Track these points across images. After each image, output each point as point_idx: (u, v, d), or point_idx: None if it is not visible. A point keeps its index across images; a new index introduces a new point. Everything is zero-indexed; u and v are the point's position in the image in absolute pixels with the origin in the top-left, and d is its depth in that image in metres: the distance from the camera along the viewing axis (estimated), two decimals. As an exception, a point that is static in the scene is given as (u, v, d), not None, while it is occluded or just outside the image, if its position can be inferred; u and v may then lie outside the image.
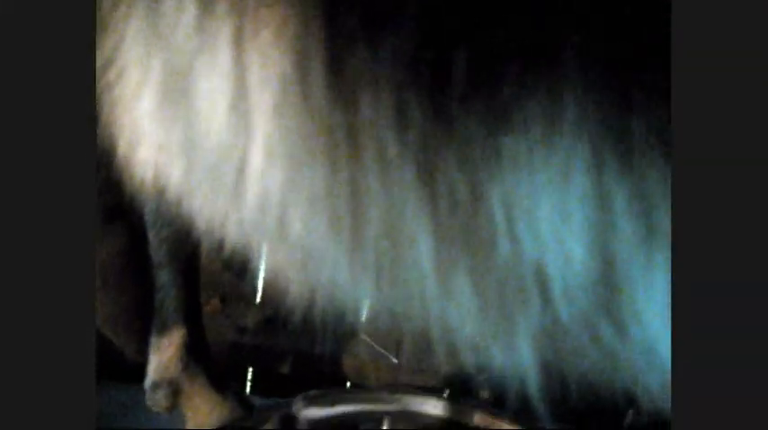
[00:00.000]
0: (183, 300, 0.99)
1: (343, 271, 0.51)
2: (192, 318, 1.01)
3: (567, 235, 0.44)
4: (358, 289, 0.52)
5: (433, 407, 0.82)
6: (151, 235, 0.89)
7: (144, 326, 0.86)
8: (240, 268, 1.07)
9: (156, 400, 1.05)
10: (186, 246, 0.97)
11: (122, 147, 0.56)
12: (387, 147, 0.45)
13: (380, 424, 0.84)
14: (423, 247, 0.47)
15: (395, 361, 1.13)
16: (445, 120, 0.44)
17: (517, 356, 0.50)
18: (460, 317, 0.50)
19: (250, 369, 1.23)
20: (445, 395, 0.85)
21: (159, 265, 0.94)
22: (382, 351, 1.19)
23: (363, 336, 1.26)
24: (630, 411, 0.83)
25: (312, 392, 0.88)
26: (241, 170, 0.51)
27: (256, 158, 0.50)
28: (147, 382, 1.04)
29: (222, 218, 0.56)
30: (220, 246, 0.59)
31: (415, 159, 0.45)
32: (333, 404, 0.85)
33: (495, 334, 0.49)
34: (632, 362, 0.51)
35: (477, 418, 0.83)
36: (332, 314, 0.57)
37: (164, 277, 0.95)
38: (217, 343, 1.13)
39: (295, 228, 0.51)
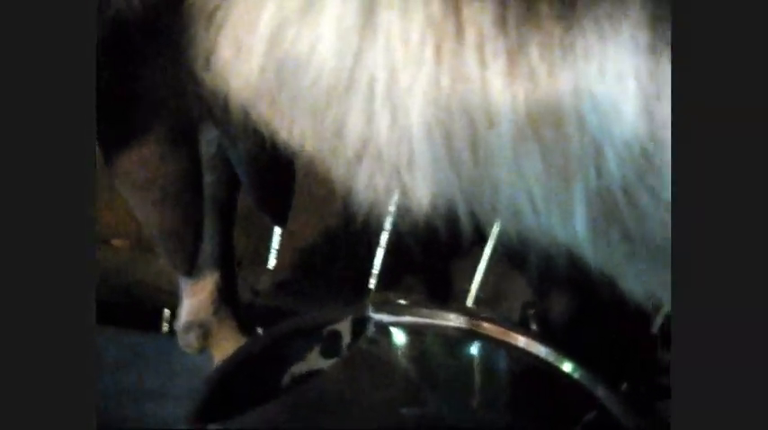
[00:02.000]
0: (218, 247, 1.05)
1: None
2: (225, 264, 1.08)
3: (623, 113, 0.58)
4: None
5: (457, 321, 0.94)
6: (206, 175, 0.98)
7: (194, 244, 0.95)
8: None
9: (188, 341, 1.12)
10: (228, 193, 1.07)
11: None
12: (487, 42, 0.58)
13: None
14: (503, 127, 0.59)
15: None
16: (535, 17, 0.57)
17: (571, 221, 0.63)
18: (526, 185, 0.62)
19: (259, 329, 1.32)
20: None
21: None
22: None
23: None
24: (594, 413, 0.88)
25: (380, 299, 0.98)
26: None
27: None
28: (180, 324, 1.10)
29: (303, 130, 0.66)
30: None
31: (507, 50, 0.58)
32: (398, 313, 0.94)
33: (556, 196, 0.62)
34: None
35: (490, 329, 0.94)
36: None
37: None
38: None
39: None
